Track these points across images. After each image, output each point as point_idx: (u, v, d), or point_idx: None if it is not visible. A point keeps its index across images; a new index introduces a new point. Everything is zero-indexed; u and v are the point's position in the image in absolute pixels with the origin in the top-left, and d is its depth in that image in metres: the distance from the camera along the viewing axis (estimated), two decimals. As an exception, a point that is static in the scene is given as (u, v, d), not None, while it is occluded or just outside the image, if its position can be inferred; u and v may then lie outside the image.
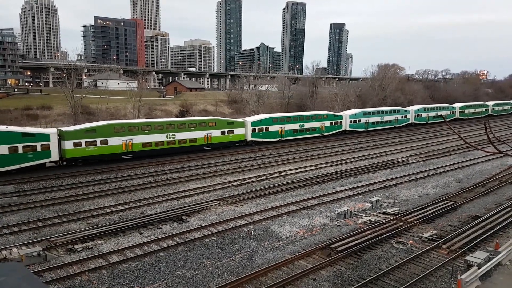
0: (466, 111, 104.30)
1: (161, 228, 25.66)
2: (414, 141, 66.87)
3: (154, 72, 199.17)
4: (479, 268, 18.82)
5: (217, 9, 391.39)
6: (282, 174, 41.50)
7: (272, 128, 61.87)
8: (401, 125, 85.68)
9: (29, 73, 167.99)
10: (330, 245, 22.29)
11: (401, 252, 22.22)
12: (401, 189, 35.83)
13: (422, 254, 21.57)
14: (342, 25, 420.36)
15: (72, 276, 18.97)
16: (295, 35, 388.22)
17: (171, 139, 49.80)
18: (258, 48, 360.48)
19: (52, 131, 42.31)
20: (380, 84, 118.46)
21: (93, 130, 44.47)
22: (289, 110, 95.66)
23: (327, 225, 26.52)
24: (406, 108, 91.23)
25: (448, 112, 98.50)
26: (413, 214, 27.86)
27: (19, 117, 74.75)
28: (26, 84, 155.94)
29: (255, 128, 59.68)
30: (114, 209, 29.36)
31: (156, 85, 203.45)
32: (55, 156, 41.43)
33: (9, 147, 37.79)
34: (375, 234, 24.01)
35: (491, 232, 24.58)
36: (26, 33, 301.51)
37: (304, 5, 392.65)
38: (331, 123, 70.88)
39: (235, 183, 37.39)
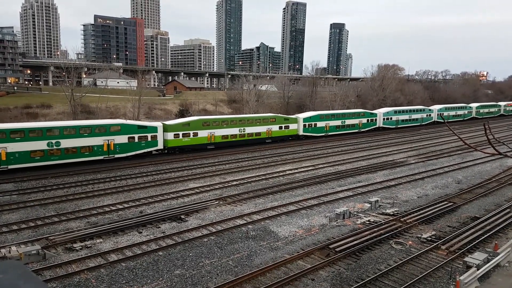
0: (481, 110, 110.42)
1: (160, 227, 25.65)
2: (414, 142, 66.89)
3: (154, 71, 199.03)
4: (478, 269, 18.84)
5: (217, 8, 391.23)
6: (281, 174, 41.50)
7: (319, 124, 69.07)
8: (426, 123, 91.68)
9: (29, 71, 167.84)
10: (329, 245, 22.30)
11: (400, 252, 22.23)
12: (400, 190, 35.84)
13: (421, 255, 21.58)
14: (342, 25, 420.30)
15: (71, 274, 18.96)
16: (295, 35, 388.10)
17: (242, 132, 57.79)
18: (258, 47, 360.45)
19: (159, 124, 50.04)
20: (380, 84, 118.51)
21: (188, 124, 52.51)
22: (288, 110, 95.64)
23: (326, 225, 26.52)
24: (430, 108, 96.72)
25: (466, 112, 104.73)
26: (412, 215, 27.87)
27: (19, 115, 74.64)
28: (26, 82, 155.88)
29: (306, 124, 66.88)
30: (113, 208, 29.35)
31: (156, 84, 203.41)
32: (160, 145, 49.11)
33: (128, 137, 45.75)
34: (374, 234, 24.02)
35: (490, 233, 24.60)
36: (26, 31, 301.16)
37: (304, 5, 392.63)
38: (367, 120, 77.65)
39: (234, 182, 37.38)
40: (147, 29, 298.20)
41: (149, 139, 47.63)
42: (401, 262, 20.63)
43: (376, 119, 79.54)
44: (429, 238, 23.82)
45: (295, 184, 36.98)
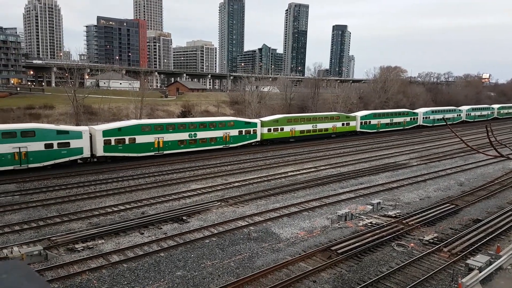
0: (501, 111, 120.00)
1: (161, 228, 25.68)
2: (416, 144, 66.75)
3: (156, 73, 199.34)
4: (480, 272, 18.80)
5: (219, 10, 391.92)
6: (283, 175, 41.49)
7: (373, 122, 78.61)
8: (456, 122, 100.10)
9: (31, 72, 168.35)
10: (331, 247, 22.28)
11: (402, 255, 22.19)
12: (402, 192, 35.77)
13: (423, 257, 21.54)
14: (345, 27, 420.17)
15: (73, 275, 19.00)
16: (297, 36, 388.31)
17: (314, 128, 67.94)
18: (260, 49, 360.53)
19: (258, 121, 60.90)
20: (382, 86, 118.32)
21: (277, 121, 62.64)
22: (290, 111, 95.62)
23: (327, 227, 26.49)
24: (459, 108, 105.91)
25: (489, 112, 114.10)
26: (414, 217, 27.82)
27: (22, 116, 74.89)
28: (29, 83, 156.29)
29: (362, 122, 76.44)
30: (115, 209, 29.40)
31: (158, 85, 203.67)
32: (258, 137, 59.68)
33: (238, 131, 56.69)
34: (376, 236, 23.98)
35: (492, 235, 24.53)
36: (29, 32, 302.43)
37: (306, 6, 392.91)
38: (410, 118, 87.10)
39: (236, 184, 37.40)
40: (150, 31, 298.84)
41: (251, 132, 58.43)
42: (403, 264, 20.59)
43: (417, 118, 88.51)
44: (431, 240, 23.77)
45: (297, 185, 36.96)
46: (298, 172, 42.99)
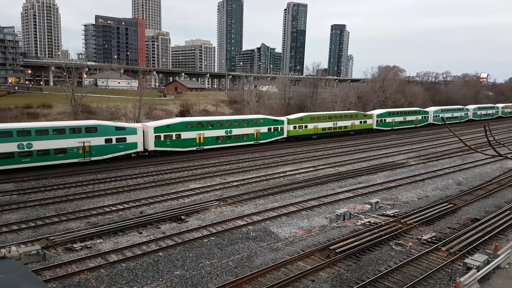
0: (505, 110, 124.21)
1: (160, 227, 25.66)
2: (414, 143, 66.83)
3: (154, 72, 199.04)
4: (478, 271, 18.84)
5: (218, 9, 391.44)
6: (282, 175, 41.49)
7: (388, 120, 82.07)
8: (463, 120, 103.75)
9: (30, 71, 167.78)
10: (329, 246, 22.30)
11: (400, 254, 22.22)
12: (400, 191, 35.81)
13: (421, 257, 21.58)
14: (343, 26, 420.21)
15: (71, 275, 18.97)
16: (296, 36, 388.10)
17: (335, 125, 71.58)
18: (259, 48, 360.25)
19: (284, 118, 64.35)
20: (380, 86, 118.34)
21: (301, 119, 66.33)
22: (289, 111, 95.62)
23: (326, 226, 26.52)
24: (466, 107, 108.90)
25: (494, 111, 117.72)
26: (413, 216, 27.87)
27: (20, 115, 74.63)
28: (27, 82, 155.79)
29: (378, 120, 79.91)
30: (114, 209, 29.36)
31: (157, 84, 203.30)
32: (285, 134, 63.64)
33: (267, 128, 60.83)
34: (374, 236, 24.01)
35: (490, 235, 24.60)
36: (27, 31, 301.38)
37: (305, 6, 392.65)
38: (422, 117, 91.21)
39: (235, 183, 37.38)
40: (148, 30, 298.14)
41: (279, 130, 62.48)
42: (401, 263, 20.63)
43: (428, 116, 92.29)
44: (430, 240, 23.81)
45: (296, 185, 36.97)
46: (296, 172, 43.00)
